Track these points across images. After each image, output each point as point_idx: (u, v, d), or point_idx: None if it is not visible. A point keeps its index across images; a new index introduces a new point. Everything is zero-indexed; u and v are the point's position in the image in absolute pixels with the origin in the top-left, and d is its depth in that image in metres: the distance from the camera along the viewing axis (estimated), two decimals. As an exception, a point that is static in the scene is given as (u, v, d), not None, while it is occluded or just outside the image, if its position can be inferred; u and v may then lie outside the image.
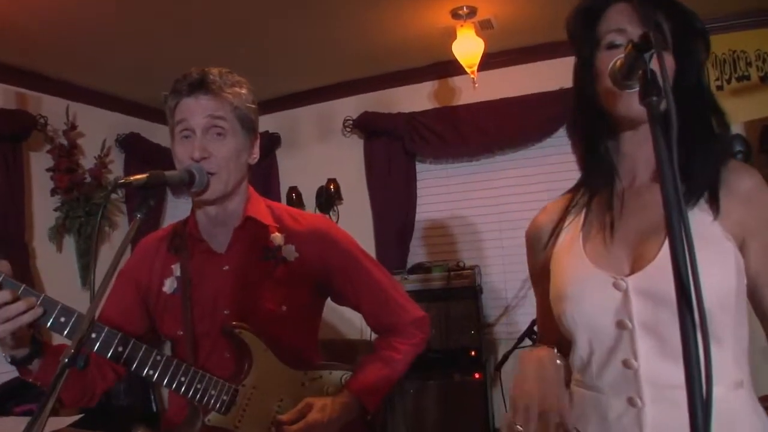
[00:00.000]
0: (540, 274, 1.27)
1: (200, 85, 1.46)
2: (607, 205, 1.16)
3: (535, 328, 3.10)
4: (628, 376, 1.06)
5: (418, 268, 3.98)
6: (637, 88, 1.03)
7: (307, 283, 1.58)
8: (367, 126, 4.32)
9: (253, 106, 1.55)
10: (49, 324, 1.29)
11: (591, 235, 1.17)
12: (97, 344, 1.34)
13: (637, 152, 1.15)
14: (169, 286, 1.55)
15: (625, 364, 1.06)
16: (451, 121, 4.12)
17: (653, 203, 1.10)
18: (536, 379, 1.12)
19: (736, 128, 3.67)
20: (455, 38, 3.51)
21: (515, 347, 3.09)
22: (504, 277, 4.15)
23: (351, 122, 4.40)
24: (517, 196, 4.13)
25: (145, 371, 1.37)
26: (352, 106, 4.41)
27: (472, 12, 3.36)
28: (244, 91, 1.53)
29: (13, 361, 1.34)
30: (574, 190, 1.27)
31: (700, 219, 1.06)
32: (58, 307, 1.30)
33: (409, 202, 4.23)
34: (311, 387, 1.53)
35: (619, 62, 1.04)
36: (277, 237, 1.57)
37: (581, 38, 1.17)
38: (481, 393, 3.66)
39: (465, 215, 4.25)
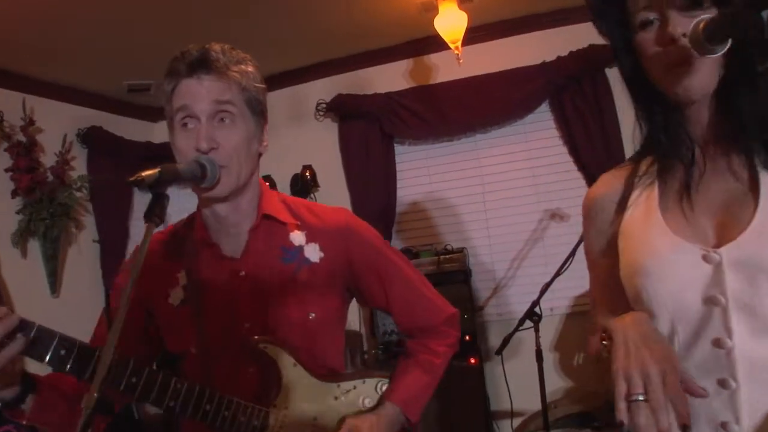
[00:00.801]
0: (604, 249, 1.18)
1: (202, 64, 1.28)
2: (685, 175, 1.07)
3: (536, 309, 3.03)
4: (719, 356, 0.98)
5: (406, 254, 3.86)
6: (721, 52, 0.94)
7: (335, 285, 1.43)
8: (341, 109, 4.15)
9: (262, 86, 1.39)
10: (47, 358, 1.12)
11: (669, 207, 1.08)
12: None
13: (705, 119, 1.06)
14: (175, 297, 1.38)
15: (716, 343, 0.98)
16: (430, 100, 3.98)
17: (734, 170, 1.03)
18: (642, 344, 0.98)
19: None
20: (436, 13, 3.37)
21: (516, 330, 3.00)
22: (491, 257, 4.05)
23: (324, 105, 4.22)
24: (500, 174, 4.03)
25: (165, 403, 1.20)
26: (324, 88, 4.23)
27: (454, -15, 3.22)
28: (251, 69, 1.36)
29: (3, 404, 1.16)
30: (635, 160, 1.17)
31: None
32: (57, 337, 1.13)
33: (388, 186, 4.09)
34: (346, 400, 1.39)
35: (703, 24, 0.93)
36: (298, 236, 1.42)
37: (608, 20, 1.09)
38: (478, 377, 3.58)
39: (447, 197, 4.13)
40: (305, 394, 1.34)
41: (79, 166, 3.82)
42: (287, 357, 1.32)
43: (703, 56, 0.95)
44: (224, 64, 1.30)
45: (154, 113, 4.39)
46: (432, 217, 4.15)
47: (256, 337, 1.31)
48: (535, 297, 3.78)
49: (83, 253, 3.71)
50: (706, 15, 0.94)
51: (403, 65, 4.14)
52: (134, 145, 4.10)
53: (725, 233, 1.00)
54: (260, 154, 1.44)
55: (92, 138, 3.89)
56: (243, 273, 1.37)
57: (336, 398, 1.38)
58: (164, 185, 1.09)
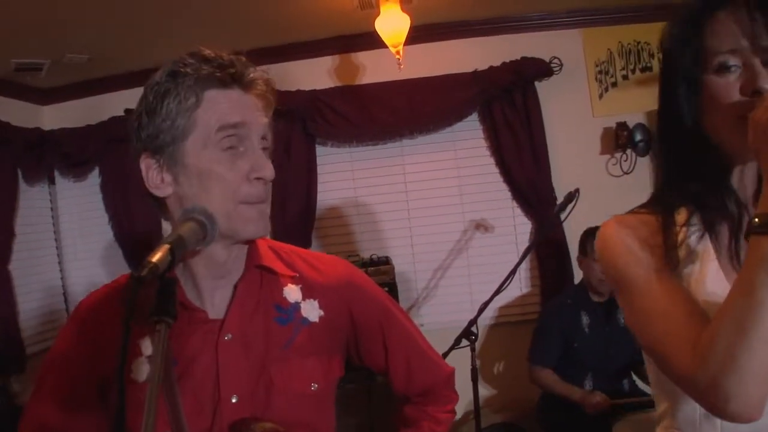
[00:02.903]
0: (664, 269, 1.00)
1: (243, 75, 1.06)
2: (733, 238, 1.00)
3: (473, 328, 2.94)
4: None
5: (329, 263, 3.67)
6: None
7: (336, 348, 1.23)
8: (260, 104, 3.85)
9: None
10: None
11: (726, 269, 0.99)
12: None
13: (754, 184, 1.00)
14: (138, 371, 1.11)
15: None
16: (357, 101, 3.79)
17: None
18: None
19: (639, 117, 3.74)
20: (373, 11, 3.20)
21: (452, 348, 2.88)
22: (414, 267, 3.95)
23: (241, 99, 3.91)
24: (426, 182, 3.92)
25: None
26: (242, 80, 3.91)
27: (398, -16, 3.04)
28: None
29: None
30: (658, 209, 1.06)
31: None
32: None
33: (309, 189, 3.87)
34: (349, 483, 1.20)
35: None
36: (293, 291, 1.19)
37: (680, 55, 1.00)
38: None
39: (370, 203, 3.97)
40: (309, 483, 1.13)
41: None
42: (291, 443, 1.11)
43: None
44: (265, 81, 1.10)
45: (43, 96, 3.89)
46: (354, 223, 3.97)
47: (253, 426, 1.08)
48: (457, 308, 3.75)
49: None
50: None
51: (329, 62, 3.91)
52: (21, 132, 3.59)
53: None
54: None
55: (-29, 123, 3.36)
56: (229, 336, 1.13)
57: (339, 481, 1.19)
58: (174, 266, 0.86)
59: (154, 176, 1.08)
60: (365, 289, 1.29)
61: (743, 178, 1.00)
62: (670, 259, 1.00)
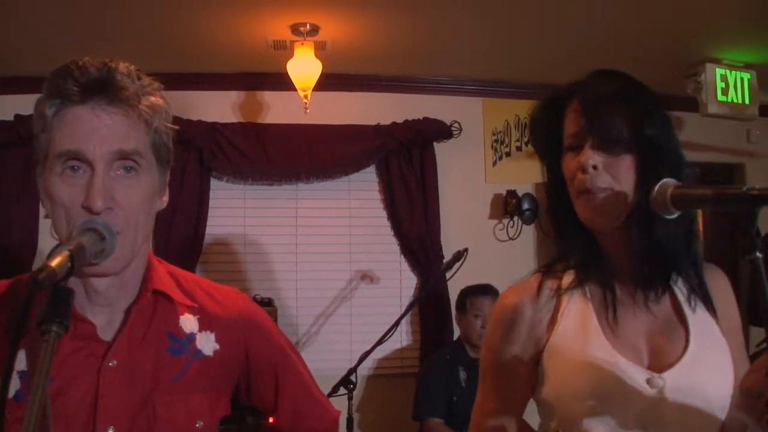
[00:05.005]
0: (517, 361, 1.13)
1: (102, 89, 0.96)
2: (609, 296, 1.10)
3: (352, 377, 2.92)
4: None
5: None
6: (675, 216, 0.98)
7: (227, 385, 1.19)
8: (157, 129, 3.73)
9: (173, 127, 1.08)
10: None
11: (604, 325, 1.08)
12: None
13: (614, 250, 1.11)
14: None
15: None
16: (258, 139, 3.77)
17: (657, 298, 1.09)
18: None
19: (528, 188, 3.97)
20: (285, 52, 3.24)
21: (329, 396, 2.85)
22: (296, 311, 3.90)
23: (137, 121, 3.77)
24: (317, 227, 3.93)
25: None
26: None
27: (314, 30, 3.09)
28: (161, 102, 1.05)
29: None
30: (550, 274, 1.16)
31: (706, 319, 1.09)
32: None
33: (199, 221, 3.76)
34: None
35: (672, 189, 0.96)
36: (190, 321, 1.14)
37: (543, 141, 1.16)
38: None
39: (259, 242, 3.91)
40: None
41: None
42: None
43: (659, 213, 1.00)
44: (134, 93, 0.99)
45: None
46: (241, 261, 3.89)
47: None
48: (336, 356, 3.72)
49: None
50: (669, 181, 0.99)
51: (234, 96, 3.87)
52: None
53: (661, 359, 1.04)
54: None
55: None
56: (114, 362, 1.05)
57: None
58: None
59: (40, 191, 1.02)
60: (264, 327, 1.26)
61: (607, 244, 1.10)
62: (549, 329, 1.11)
